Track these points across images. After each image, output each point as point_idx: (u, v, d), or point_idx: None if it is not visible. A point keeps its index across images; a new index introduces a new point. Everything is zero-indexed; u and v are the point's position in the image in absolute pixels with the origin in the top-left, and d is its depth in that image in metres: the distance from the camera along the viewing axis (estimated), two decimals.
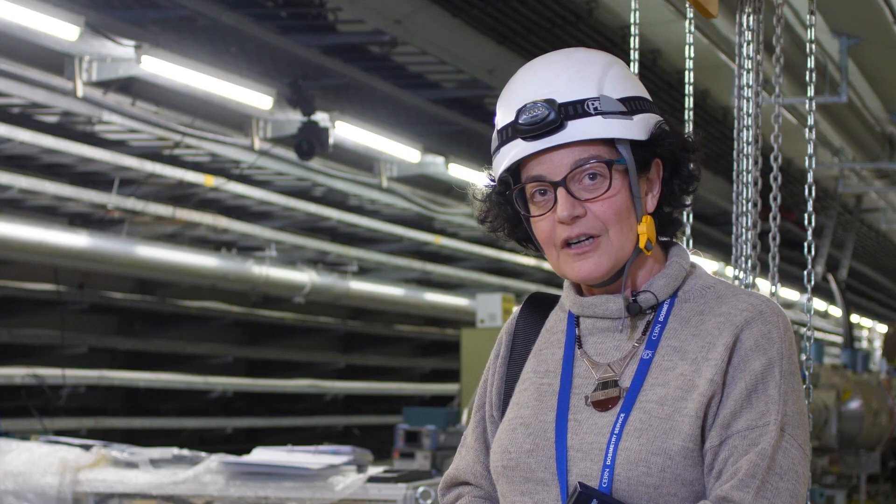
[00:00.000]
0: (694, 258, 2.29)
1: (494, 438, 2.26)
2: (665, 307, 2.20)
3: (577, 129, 2.14)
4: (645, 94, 2.23)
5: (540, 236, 2.20)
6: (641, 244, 2.17)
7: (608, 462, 2.09)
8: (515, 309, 2.42)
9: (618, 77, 2.19)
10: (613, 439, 2.11)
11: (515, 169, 2.20)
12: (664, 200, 2.23)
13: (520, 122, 2.15)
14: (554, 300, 2.34)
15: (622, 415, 2.12)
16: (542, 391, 2.22)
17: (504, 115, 2.20)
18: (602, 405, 2.15)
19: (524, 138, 2.15)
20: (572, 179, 2.15)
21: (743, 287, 3.30)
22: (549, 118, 2.13)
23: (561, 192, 2.15)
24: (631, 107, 2.17)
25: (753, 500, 2.04)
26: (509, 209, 2.24)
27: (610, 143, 2.16)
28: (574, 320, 2.26)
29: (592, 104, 2.15)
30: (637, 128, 2.17)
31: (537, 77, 2.19)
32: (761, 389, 2.10)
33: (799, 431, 2.11)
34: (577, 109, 2.14)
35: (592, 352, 2.22)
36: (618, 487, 2.08)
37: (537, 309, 2.35)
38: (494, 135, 2.22)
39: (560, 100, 2.14)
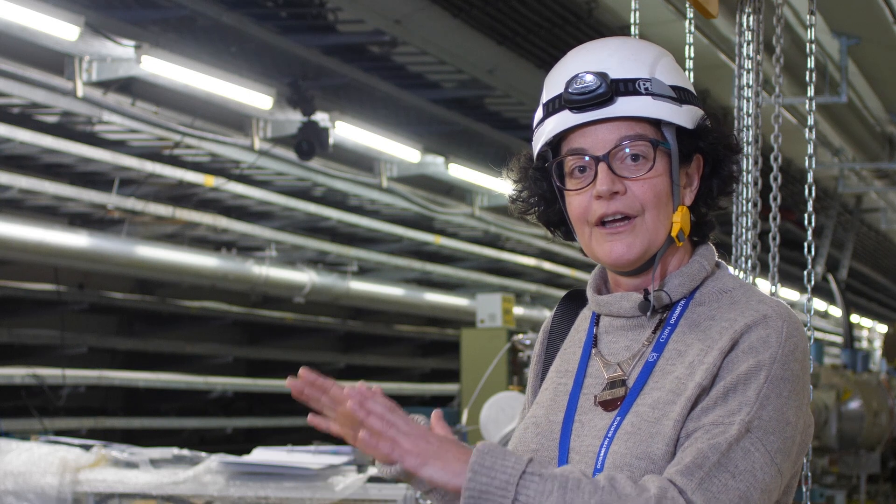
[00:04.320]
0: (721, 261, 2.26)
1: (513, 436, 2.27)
2: (678, 309, 2.18)
3: (626, 105, 2.13)
4: (693, 89, 2.23)
5: (574, 212, 2.17)
6: (674, 233, 2.16)
7: (598, 465, 2.09)
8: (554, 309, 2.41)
9: (669, 66, 2.19)
10: (605, 443, 2.10)
11: (556, 144, 2.18)
12: (700, 199, 2.21)
13: (570, 91, 2.13)
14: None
15: (618, 418, 2.11)
16: (558, 391, 2.22)
17: (551, 89, 2.19)
18: (609, 405, 2.14)
19: (571, 109, 2.14)
20: (615, 156, 2.13)
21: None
22: (600, 90, 2.12)
23: (602, 166, 2.13)
24: (680, 95, 2.17)
25: (696, 489, 1.99)
26: (545, 185, 2.22)
27: (656, 126, 2.15)
28: (595, 319, 2.26)
29: (644, 84, 2.14)
30: (685, 115, 2.16)
31: (590, 54, 2.19)
32: (740, 390, 2.06)
33: (772, 438, 2.05)
34: (628, 87, 2.13)
35: (605, 351, 2.21)
36: None
37: (572, 307, 2.34)
38: (538, 110, 2.21)
39: (612, 75, 2.13)
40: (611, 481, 1.98)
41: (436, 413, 2.09)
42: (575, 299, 2.35)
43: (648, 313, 2.18)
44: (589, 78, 2.13)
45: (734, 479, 2.01)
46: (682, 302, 2.19)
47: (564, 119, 2.15)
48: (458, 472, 1.98)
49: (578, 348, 2.25)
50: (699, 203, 2.22)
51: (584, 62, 2.17)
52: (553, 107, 2.17)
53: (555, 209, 2.23)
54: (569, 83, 2.14)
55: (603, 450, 2.09)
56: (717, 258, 2.24)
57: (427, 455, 1.99)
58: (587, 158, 2.14)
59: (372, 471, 5.01)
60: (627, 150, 2.13)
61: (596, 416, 2.14)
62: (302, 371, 2.10)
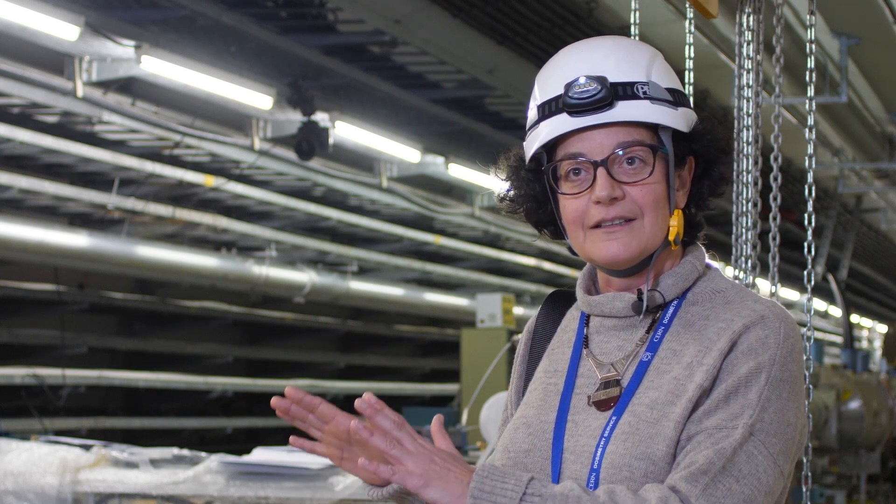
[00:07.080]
0: (711, 261, 2.26)
1: (500, 437, 2.25)
2: (671, 309, 2.17)
3: (626, 110, 2.12)
4: (682, 87, 2.22)
5: (569, 216, 2.16)
6: (671, 236, 2.15)
7: (595, 466, 2.08)
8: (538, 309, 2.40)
9: (663, 68, 2.18)
10: (602, 442, 2.08)
11: (551, 147, 2.16)
12: (691, 200, 2.21)
13: (570, 96, 2.12)
14: (574, 298, 2.31)
15: (613, 418, 2.10)
16: (548, 391, 2.21)
17: (547, 90, 2.16)
18: (603, 405, 2.13)
19: (570, 113, 2.12)
20: (613, 161, 2.12)
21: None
22: (601, 95, 2.10)
23: (601, 172, 2.11)
24: (675, 98, 2.16)
25: (700, 495, 1.98)
26: (537, 187, 2.20)
27: (653, 130, 2.14)
28: (585, 320, 2.25)
29: (642, 88, 2.13)
30: (681, 119, 2.15)
31: (585, 56, 2.16)
32: (742, 392, 2.06)
33: (774, 441, 2.05)
34: (626, 91, 2.12)
35: (597, 351, 2.20)
36: None
37: (556, 307, 2.33)
38: (533, 111, 2.19)
39: (611, 78, 2.12)
40: (610, 495, 1.98)
41: (437, 422, 2.08)
42: (559, 300, 2.34)
43: (642, 314, 2.17)
44: (589, 82, 2.11)
45: (738, 484, 2.01)
46: (675, 302, 2.18)
47: (562, 123, 2.13)
48: (459, 495, 1.98)
49: (568, 348, 2.24)
50: (689, 204, 2.21)
51: (579, 64, 2.15)
52: (549, 109, 2.15)
53: (545, 210, 2.22)
54: (568, 87, 2.12)
55: (600, 450, 2.08)
56: (707, 259, 2.25)
57: (430, 476, 1.99)
58: (582, 159, 2.13)
59: None
60: (627, 154, 2.12)
61: (590, 416, 2.13)
62: (288, 390, 2.08)
